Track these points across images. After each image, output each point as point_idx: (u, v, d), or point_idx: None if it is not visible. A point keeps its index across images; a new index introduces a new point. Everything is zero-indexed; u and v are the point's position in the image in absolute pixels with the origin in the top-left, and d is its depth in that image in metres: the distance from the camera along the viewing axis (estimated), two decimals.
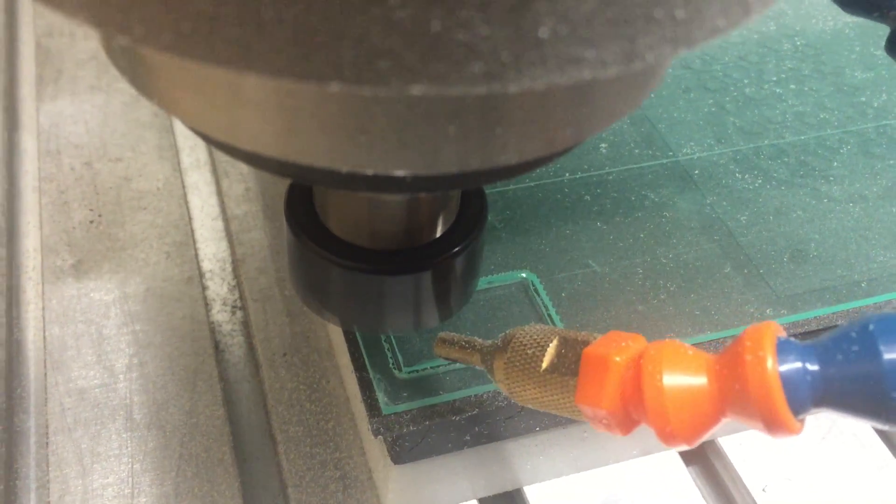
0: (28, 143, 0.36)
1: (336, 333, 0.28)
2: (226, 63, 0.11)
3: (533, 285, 0.25)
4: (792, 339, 0.16)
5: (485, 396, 0.23)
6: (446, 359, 0.21)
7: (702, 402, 0.16)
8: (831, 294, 0.26)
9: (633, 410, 0.16)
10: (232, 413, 0.28)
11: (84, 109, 0.38)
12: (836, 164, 0.30)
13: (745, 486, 0.27)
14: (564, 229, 0.27)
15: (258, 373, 0.29)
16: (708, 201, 0.28)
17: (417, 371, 0.23)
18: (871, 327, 0.15)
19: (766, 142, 0.30)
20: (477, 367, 0.21)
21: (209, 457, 0.27)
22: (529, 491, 0.27)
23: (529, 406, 0.19)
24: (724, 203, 0.28)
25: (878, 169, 0.30)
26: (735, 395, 0.15)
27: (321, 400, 0.28)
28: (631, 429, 0.17)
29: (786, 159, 0.30)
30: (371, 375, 0.23)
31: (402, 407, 0.22)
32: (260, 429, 0.28)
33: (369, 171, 0.14)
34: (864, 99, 0.32)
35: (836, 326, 0.25)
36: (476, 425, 0.23)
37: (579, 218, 0.27)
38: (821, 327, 0.25)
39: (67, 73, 0.39)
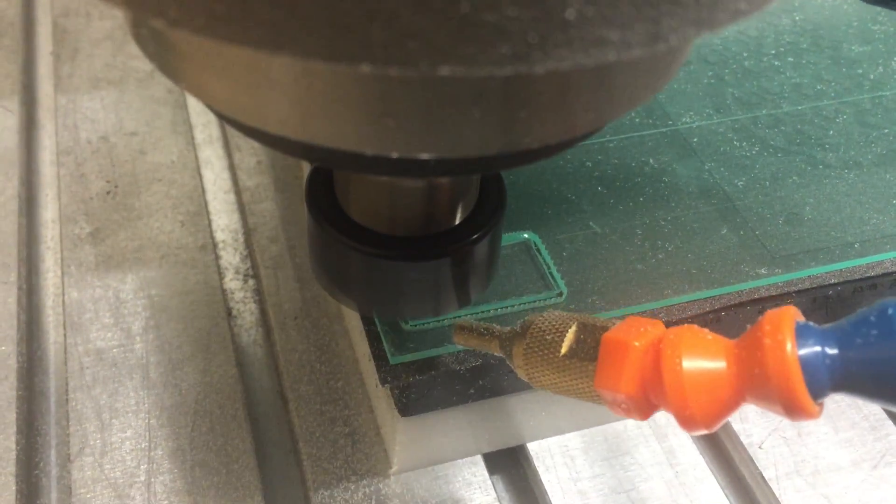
0: (46, 119, 0.37)
1: None
2: (258, 44, 0.11)
3: (535, 245, 0.26)
4: (811, 323, 0.16)
5: None
6: (464, 346, 0.22)
7: (721, 387, 0.16)
8: (824, 254, 0.26)
9: (653, 395, 0.17)
10: (244, 373, 0.29)
11: (100, 86, 0.39)
12: (831, 132, 0.31)
13: (741, 444, 0.28)
14: (566, 193, 0.28)
15: (270, 336, 0.30)
16: (706, 167, 0.29)
17: (423, 324, 0.24)
18: (890, 311, 0.15)
19: (763, 112, 0.31)
20: (496, 354, 0.21)
21: (223, 413, 0.28)
22: (532, 447, 0.28)
23: (549, 391, 0.19)
24: (722, 169, 0.29)
25: (873, 137, 0.30)
26: (754, 379, 0.16)
27: (331, 361, 0.29)
28: (650, 413, 0.17)
29: (783, 128, 0.31)
30: (379, 327, 0.24)
31: (408, 357, 0.23)
32: (272, 388, 0.29)
33: (394, 155, 0.14)
34: (860, 71, 0.33)
35: (828, 286, 0.26)
36: (480, 378, 0.24)
37: (581, 183, 0.28)
38: (814, 286, 0.26)
39: (83, 51, 0.40)
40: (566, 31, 0.11)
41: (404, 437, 0.25)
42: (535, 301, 0.25)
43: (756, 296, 0.25)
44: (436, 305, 0.22)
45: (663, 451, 0.28)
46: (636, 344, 0.17)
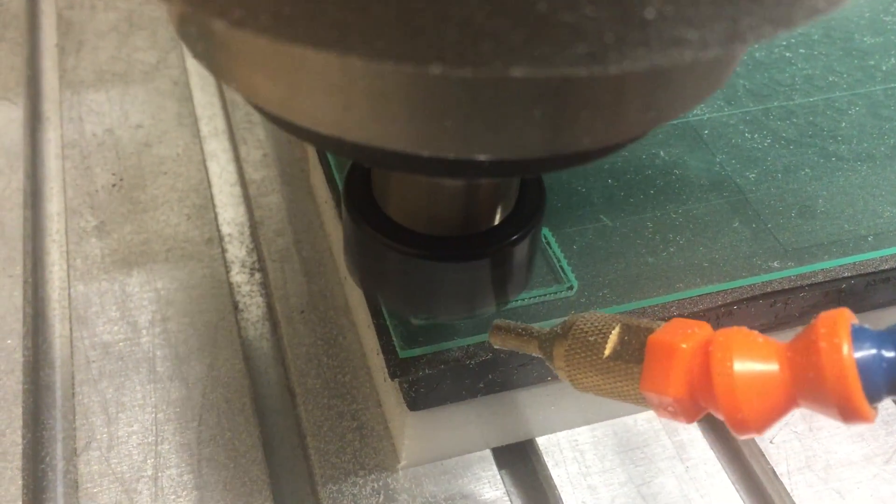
0: (51, 112, 0.37)
1: (352, 291, 0.29)
2: (325, 46, 0.11)
3: (545, 238, 0.26)
4: (866, 325, 0.16)
5: None
6: (501, 346, 0.21)
7: (773, 390, 0.16)
8: (838, 247, 0.26)
9: (701, 398, 0.16)
10: (251, 367, 0.29)
11: (105, 79, 0.38)
12: (844, 124, 0.30)
13: (752, 439, 0.28)
14: (576, 186, 0.27)
15: (277, 330, 0.30)
16: (717, 160, 0.29)
17: (433, 317, 0.23)
18: None
19: (775, 103, 0.31)
20: (534, 355, 0.21)
21: (230, 408, 0.27)
22: (542, 442, 0.27)
23: (590, 393, 0.19)
24: (734, 161, 0.29)
25: (886, 129, 0.30)
26: (809, 382, 0.15)
27: (338, 355, 0.29)
28: (697, 416, 0.17)
29: (795, 120, 0.30)
30: (388, 322, 0.23)
31: (417, 351, 0.23)
32: (279, 382, 0.29)
33: (451, 156, 0.14)
34: (872, 63, 0.33)
35: (841, 280, 0.26)
36: (489, 372, 0.24)
37: (590, 175, 0.28)
38: (827, 279, 0.26)
39: (88, 44, 0.40)
40: (644, 30, 0.11)
41: (413, 432, 0.25)
42: (545, 295, 0.24)
43: (769, 289, 0.25)
44: (472, 306, 0.22)
45: (674, 446, 0.27)
46: (683, 346, 0.17)
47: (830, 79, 0.32)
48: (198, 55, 0.15)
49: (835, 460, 0.27)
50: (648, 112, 0.14)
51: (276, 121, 0.16)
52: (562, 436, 0.27)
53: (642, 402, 0.18)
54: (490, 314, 0.23)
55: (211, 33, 0.15)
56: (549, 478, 0.27)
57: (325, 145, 0.16)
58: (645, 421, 0.28)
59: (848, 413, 0.15)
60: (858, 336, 0.15)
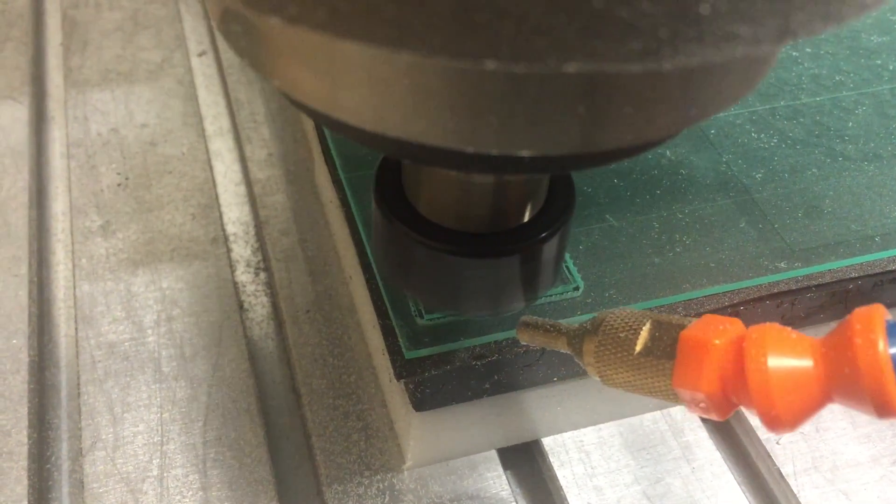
0: (56, 111, 0.37)
1: (358, 291, 0.29)
2: (381, 42, 0.11)
3: None
4: None
5: (504, 343, 0.24)
6: (528, 343, 0.21)
7: (808, 386, 0.16)
8: (845, 248, 0.26)
9: (734, 394, 0.16)
10: (257, 367, 0.29)
11: (110, 78, 0.38)
12: (851, 124, 0.30)
13: (759, 440, 0.28)
14: (582, 186, 0.27)
15: (282, 329, 0.30)
16: (724, 159, 0.29)
17: (438, 318, 0.23)
18: None
19: (781, 103, 0.31)
20: (562, 351, 0.21)
21: (235, 407, 0.27)
22: (547, 442, 0.27)
23: (620, 389, 0.19)
24: (740, 161, 0.29)
25: (893, 129, 0.30)
26: (843, 378, 0.15)
27: (343, 355, 0.29)
28: (729, 412, 0.17)
29: (801, 119, 0.30)
30: (394, 322, 0.23)
31: (423, 352, 0.23)
32: (284, 382, 0.29)
33: (494, 152, 0.14)
34: (879, 62, 0.33)
35: (848, 280, 0.26)
36: (495, 373, 0.24)
37: (596, 175, 0.28)
38: (834, 280, 0.26)
39: (93, 43, 0.40)
40: (698, 25, 0.11)
41: (419, 432, 0.25)
42: (551, 295, 0.24)
43: (775, 290, 0.25)
44: (500, 302, 0.22)
45: (680, 447, 0.27)
46: (716, 342, 0.17)
47: (837, 78, 0.32)
48: (240, 51, 0.15)
49: (842, 461, 0.27)
50: (691, 109, 0.15)
51: (318, 117, 0.15)
52: (567, 436, 0.27)
53: (673, 398, 0.18)
54: (518, 311, 0.23)
55: (255, 29, 0.15)
56: (554, 478, 0.26)
57: (367, 141, 0.16)
58: (651, 422, 0.28)
59: (883, 408, 0.15)
60: (893, 332, 0.15)
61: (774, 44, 0.12)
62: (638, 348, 0.18)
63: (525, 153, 0.14)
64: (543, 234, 0.20)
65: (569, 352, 0.20)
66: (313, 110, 0.15)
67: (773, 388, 0.16)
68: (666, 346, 0.18)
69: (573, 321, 0.23)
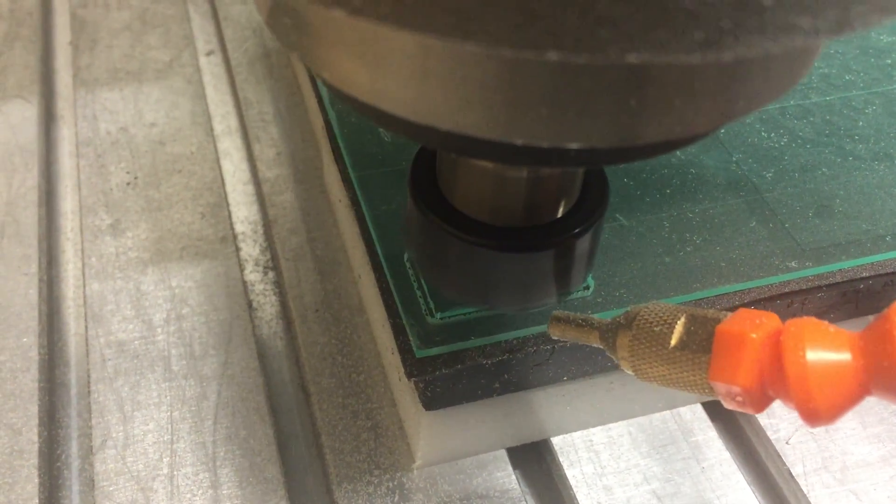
0: (65, 110, 0.37)
1: (367, 290, 0.29)
2: (443, 33, 0.11)
3: None
4: None
5: (514, 343, 0.24)
6: (560, 337, 0.21)
7: (846, 379, 0.16)
8: (856, 248, 0.26)
9: (771, 388, 0.17)
10: (266, 366, 0.29)
11: (119, 77, 0.38)
12: (861, 123, 0.30)
13: (769, 440, 0.28)
14: None
15: (291, 328, 0.30)
16: (734, 159, 0.29)
17: (449, 317, 0.23)
18: None
19: (791, 102, 0.31)
20: (594, 345, 0.21)
21: (245, 406, 0.27)
22: (557, 442, 0.27)
23: (654, 383, 0.19)
24: (750, 160, 0.28)
25: None
26: (883, 371, 0.15)
27: (352, 353, 0.29)
28: (765, 406, 0.17)
29: (811, 119, 0.30)
30: (404, 321, 0.23)
31: (434, 351, 0.23)
32: (293, 381, 0.29)
33: (544, 144, 0.14)
34: (889, 61, 0.33)
35: (859, 280, 0.26)
36: (505, 372, 0.24)
37: (607, 174, 0.28)
38: (845, 280, 0.25)
39: (102, 42, 0.40)
40: (761, 16, 0.11)
41: (428, 432, 0.25)
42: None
43: (786, 290, 0.25)
44: (532, 298, 0.22)
45: (690, 447, 0.27)
46: (753, 336, 0.17)
47: (847, 77, 0.32)
48: (289, 45, 0.15)
49: (851, 461, 0.27)
50: (740, 101, 0.14)
51: (366, 109, 0.15)
52: (577, 436, 0.27)
53: (709, 392, 0.18)
54: (548, 308, 0.23)
55: (307, 23, 0.15)
56: (564, 478, 0.26)
57: (416, 134, 0.16)
58: (660, 421, 0.28)
59: None
60: None
61: (832, 35, 0.12)
62: (673, 342, 0.18)
63: (574, 145, 0.14)
64: (579, 229, 0.20)
65: (601, 346, 0.20)
66: (362, 103, 0.15)
67: (812, 381, 0.16)
68: (701, 340, 0.18)
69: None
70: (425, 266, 0.22)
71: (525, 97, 0.13)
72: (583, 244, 0.21)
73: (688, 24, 0.11)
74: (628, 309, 0.20)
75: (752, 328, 0.17)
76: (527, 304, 0.22)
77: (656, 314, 0.19)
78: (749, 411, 0.17)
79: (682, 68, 0.13)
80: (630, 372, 0.19)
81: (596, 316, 0.21)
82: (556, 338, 0.21)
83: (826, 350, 0.16)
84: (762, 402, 0.17)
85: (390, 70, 0.14)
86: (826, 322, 0.17)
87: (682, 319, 0.18)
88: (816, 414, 0.16)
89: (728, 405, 0.17)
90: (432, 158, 0.21)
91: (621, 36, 0.11)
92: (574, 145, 0.14)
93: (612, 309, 0.24)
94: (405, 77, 0.14)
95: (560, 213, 0.21)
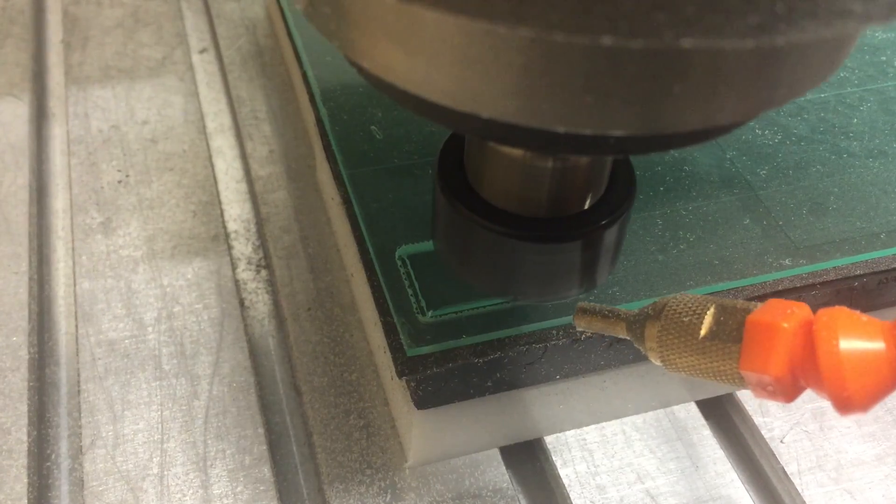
0: (56, 108, 0.37)
1: (359, 288, 0.29)
2: (499, 18, 0.11)
3: None
4: None
5: (506, 341, 0.23)
6: (586, 329, 0.21)
7: (880, 368, 0.16)
8: (850, 245, 0.26)
9: (803, 377, 0.17)
10: (257, 365, 0.29)
11: (111, 75, 0.38)
12: (855, 120, 0.30)
13: (763, 438, 0.28)
14: None
15: (283, 327, 0.30)
16: (728, 156, 0.28)
17: (440, 315, 0.23)
18: None
19: None
20: (620, 336, 0.21)
21: (236, 405, 0.27)
22: (550, 441, 0.27)
23: (684, 374, 0.19)
24: (744, 158, 0.28)
25: None
26: None
27: (345, 353, 0.29)
28: (796, 396, 0.17)
29: (806, 116, 0.30)
30: (395, 319, 0.23)
31: (425, 349, 0.23)
32: (285, 380, 0.29)
33: (587, 132, 0.14)
34: (884, 58, 0.33)
35: (853, 278, 0.26)
36: (497, 371, 0.24)
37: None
38: (839, 277, 0.25)
39: (94, 39, 0.40)
40: (814, 1, 0.11)
41: (420, 430, 0.25)
42: None
43: (780, 287, 0.25)
44: (558, 288, 0.22)
45: (684, 445, 0.27)
46: (785, 325, 0.17)
47: (842, 74, 0.32)
48: (329, 34, 0.15)
49: (846, 460, 0.27)
50: (781, 88, 0.14)
51: (406, 99, 0.15)
52: (570, 435, 0.27)
53: (738, 382, 0.18)
54: (576, 298, 0.23)
55: (347, 10, 0.15)
56: (557, 477, 0.26)
57: (456, 122, 0.16)
58: (654, 420, 0.28)
59: None
60: None
61: (883, 21, 0.11)
62: (703, 332, 0.18)
63: (617, 133, 0.14)
64: (606, 221, 0.20)
65: (627, 337, 0.20)
66: (402, 91, 0.15)
67: (846, 370, 0.16)
68: (731, 330, 0.18)
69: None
70: (450, 255, 0.22)
71: (572, 84, 0.13)
72: (610, 236, 0.21)
73: (743, 8, 0.11)
74: (655, 300, 0.20)
75: (783, 318, 0.17)
76: (551, 296, 0.22)
77: (685, 305, 0.19)
78: (779, 400, 0.17)
79: (731, 53, 0.13)
80: (658, 362, 0.19)
81: (621, 307, 0.21)
82: (581, 329, 0.21)
83: (859, 339, 0.16)
84: (793, 392, 0.17)
85: (435, 57, 0.14)
86: (858, 312, 0.17)
87: (712, 310, 0.18)
88: (850, 403, 0.16)
89: (758, 394, 0.17)
90: (460, 148, 0.21)
91: (677, 20, 0.11)
92: (616, 133, 0.14)
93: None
94: (450, 64, 0.14)
95: (587, 205, 0.21)
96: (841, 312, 0.16)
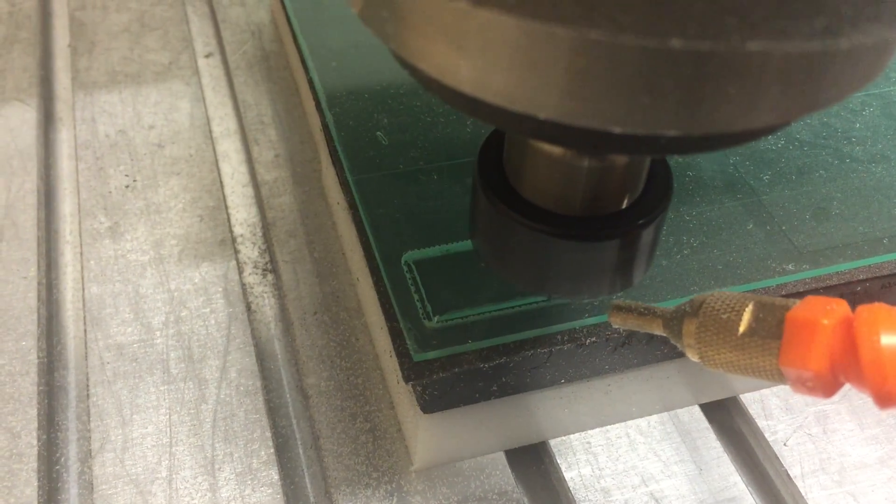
0: (64, 113, 0.37)
1: (365, 293, 0.29)
2: (569, 22, 0.11)
3: None
4: None
5: (512, 346, 0.24)
6: (621, 326, 0.22)
7: None
8: (853, 250, 0.26)
9: (843, 373, 0.17)
10: (264, 368, 0.29)
11: (117, 80, 0.38)
12: (858, 125, 0.30)
13: (766, 441, 0.28)
14: None
15: (289, 331, 0.30)
16: (731, 161, 0.29)
17: (446, 320, 0.24)
18: None
19: None
20: (656, 333, 0.21)
21: (243, 409, 0.27)
22: (555, 444, 0.27)
23: (721, 370, 0.19)
24: (748, 163, 0.29)
25: None
26: None
27: (351, 356, 0.29)
28: (835, 391, 0.17)
29: (808, 121, 0.30)
30: (402, 325, 0.24)
31: (431, 354, 0.23)
32: (291, 384, 0.29)
33: (640, 132, 0.14)
34: None
35: (856, 283, 0.26)
36: (503, 375, 0.24)
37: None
38: (842, 282, 0.25)
39: (101, 45, 0.40)
40: (878, 4, 0.11)
41: (426, 434, 0.25)
42: (560, 298, 0.24)
43: (783, 292, 0.25)
44: (596, 287, 0.22)
45: (688, 449, 0.27)
46: (825, 322, 0.17)
47: None
48: (385, 36, 0.16)
49: (849, 463, 0.27)
50: (832, 90, 0.15)
51: (461, 100, 0.15)
52: (575, 438, 0.27)
53: (777, 378, 0.18)
54: (612, 296, 0.23)
55: (407, 13, 0.15)
56: (562, 480, 0.27)
57: (511, 123, 0.16)
58: (658, 423, 0.28)
59: None
60: None
61: None
62: (741, 329, 0.18)
63: (672, 133, 0.14)
64: (643, 220, 0.21)
65: (664, 334, 0.21)
66: (458, 93, 0.15)
67: (887, 365, 0.16)
68: (771, 327, 0.18)
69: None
70: (488, 252, 0.22)
71: (631, 85, 0.13)
72: (647, 235, 0.21)
73: (811, 11, 0.11)
74: (692, 297, 0.20)
75: (823, 314, 0.17)
76: (587, 294, 0.22)
77: (723, 302, 0.19)
78: (818, 396, 0.17)
79: (790, 55, 0.13)
80: (695, 359, 0.20)
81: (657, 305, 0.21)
82: (616, 326, 0.22)
83: None
84: (832, 387, 0.17)
85: (496, 59, 0.14)
86: None
87: (750, 307, 0.19)
88: (891, 397, 0.16)
89: (797, 390, 0.18)
90: (499, 147, 0.22)
91: (746, 24, 0.11)
92: (671, 133, 0.14)
93: (608, 311, 0.24)
94: (511, 66, 0.14)
95: (624, 205, 0.21)
96: (881, 308, 0.17)
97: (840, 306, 0.17)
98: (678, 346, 0.20)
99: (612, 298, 0.23)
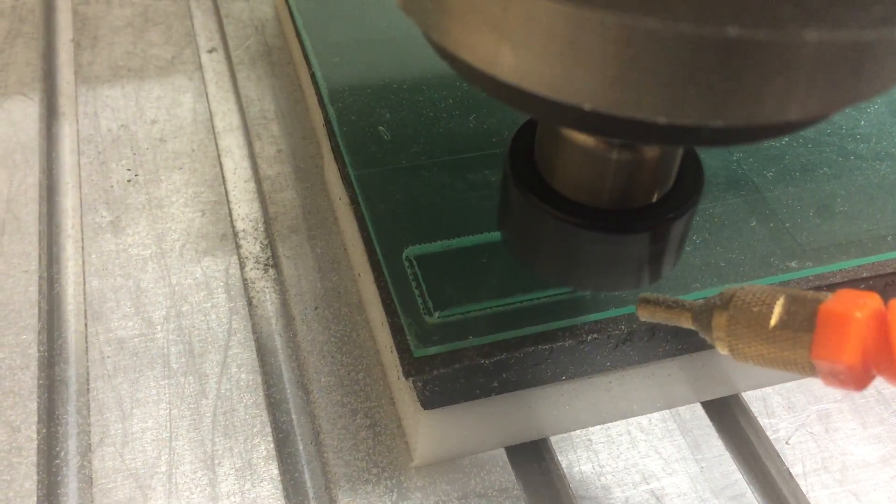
0: (66, 107, 0.37)
1: (366, 288, 0.29)
2: (626, 10, 0.11)
3: None
4: None
5: (513, 342, 0.23)
6: (649, 319, 0.22)
7: None
8: (856, 248, 0.26)
9: (875, 366, 0.17)
10: (265, 363, 0.29)
11: (120, 74, 0.38)
12: (863, 122, 0.30)
13: (768, 440, 0.28)
14: None
15: (290, 326, 0.30)
16: (734, 158, 0.28)
17: (447, 316, 0.23)
18: None
19: None
20: (684, 326, 0.21)
21: (244, 404, 0.27)
22: (555, 441, 0.27)
23: (751, 363, 0.19)
24: (751, 160, 0.28)
25: None
26: None
27: (352, 352, 0.29)
28: (866, 384, 0.17)
29: None
30: (402, 320, 0.23)
31: (432, 350, 0.23)
32: (292, 379, 0.29)
33: (686, 122, 0.14)
34: None
35: (860, 280, 0.26)
36: (504, 371, 0.24)
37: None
38: (846, 280, 0.25)
39: (104, 39, 0.40)
40: None
41: (426, 430, 0.25)
42: (562, 294, 0.24)
43: None
44: (622, 280, 0.22)
45: (688, 446, 0.27)
46: (858, 315, 0.17)
47: None
48: (428, 26, 0.15)
49: (851, 462, 0.27)
50: (876, 81, 0.14)
51: (504, 90, 0.15)
52: (576, 435, 0.27)
53: (808, 371, 0.18)
54: (639, 290, 0.23)
55: (451, 3, 0.15)
56: (562, 477, 0.26)
57: (554, 114, 0.16)
58: (660, 420, 0.28)
59: None
60: None
61: None
62: (773, 322, 0.18)
63: (717, 124, 0.14)
64: (673, 214, 0.21)
65: (693, 327, 0.20)
66: (502, 83, 0.15)
67: None
68: (803, 320, 0.18)
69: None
70: (517, 244, 0.22)
71: (679, 75, 0.13)
72: (677, 229, 0.21)
73: (869, 1, 0.11)
74: (721, 290, 0.20)
75: (856, 307, 0.17)
76: (613, 287, 0.22)
77: (754, 295, 0.19)
78: (850, 389, 0.18)
79: (846, 44, 0.13)
80: (725, 352, 0.20)
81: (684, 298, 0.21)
82: (644, 319, 0.22)
83: None
84: (864, 380, 0.17)
85: (542, 49, 0.14)
86: None
87: (781, 300, 0.19)
88: None
89: (828, 383, 0.18)
90: (531, 139, 0.22)
91: (803, 12, 0.11)
92: (716, 124, 0.14)
93: (610, 307, 0.24)
94: (558, 55, 0.14)
95: (655, 198, 0.21)
96: None
97: (872, 299, 0.17)
98: (707, 339, 0.20)
99: (637, 292, 0.23)
